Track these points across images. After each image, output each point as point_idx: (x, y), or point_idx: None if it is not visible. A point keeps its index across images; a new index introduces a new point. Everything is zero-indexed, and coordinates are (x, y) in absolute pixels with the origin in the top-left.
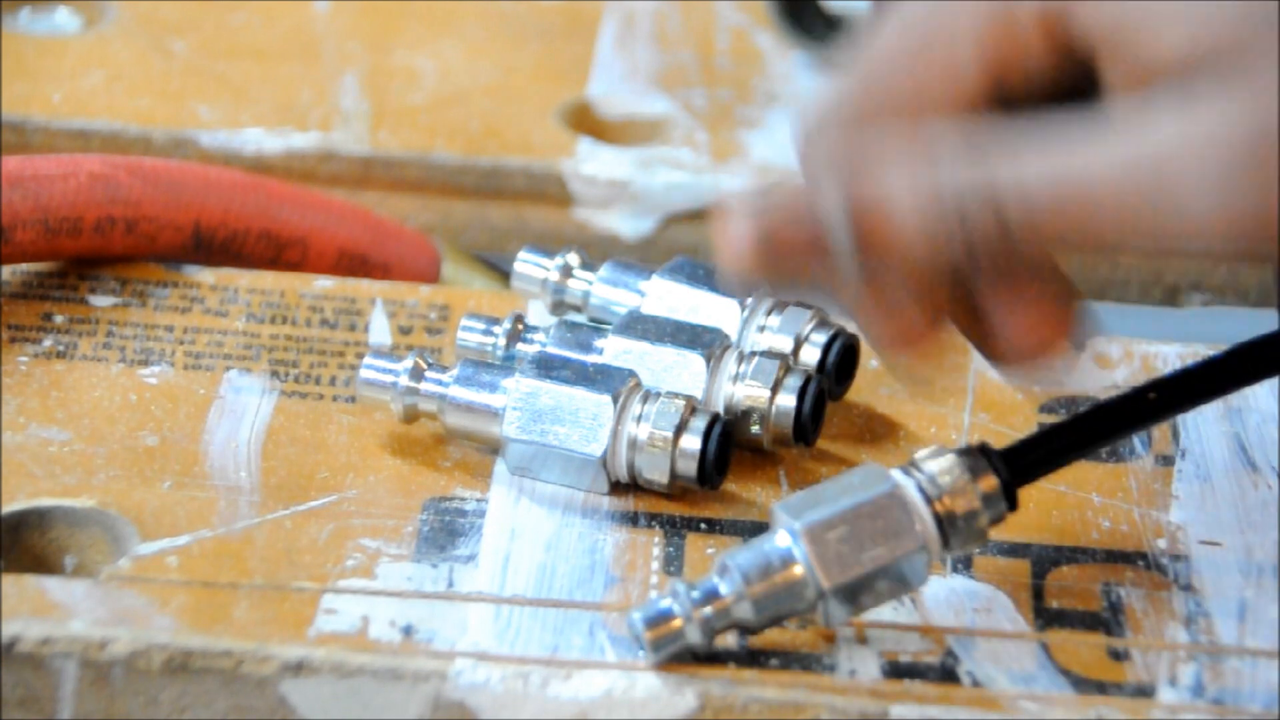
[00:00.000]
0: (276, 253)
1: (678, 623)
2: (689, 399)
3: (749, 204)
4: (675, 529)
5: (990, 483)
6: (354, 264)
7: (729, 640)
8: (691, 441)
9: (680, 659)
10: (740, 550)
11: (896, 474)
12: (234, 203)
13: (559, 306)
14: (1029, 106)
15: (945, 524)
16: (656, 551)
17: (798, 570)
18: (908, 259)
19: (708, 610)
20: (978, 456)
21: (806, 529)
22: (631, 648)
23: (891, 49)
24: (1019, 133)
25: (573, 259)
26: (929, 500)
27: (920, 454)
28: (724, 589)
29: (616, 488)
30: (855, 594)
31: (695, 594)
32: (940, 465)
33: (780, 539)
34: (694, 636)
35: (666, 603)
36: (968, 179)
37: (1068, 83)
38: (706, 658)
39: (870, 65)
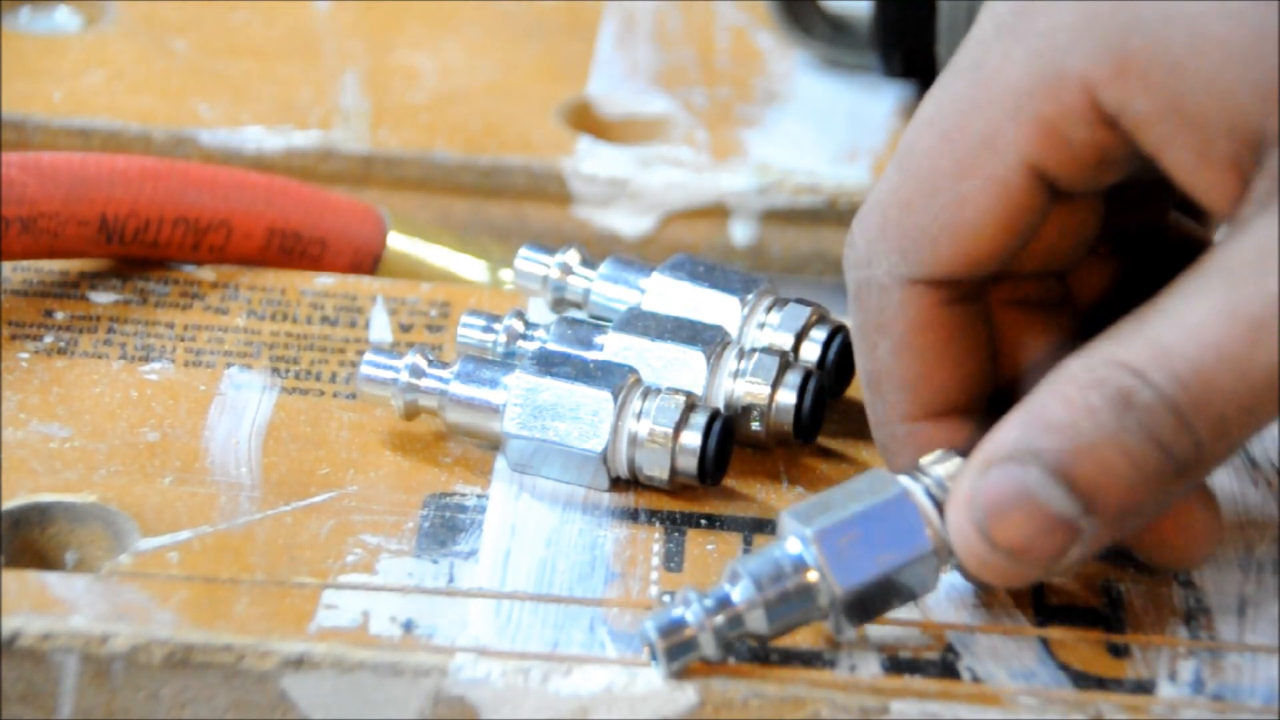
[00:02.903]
0: (197, 239)
1: (690, 631)
2: (689, 395)
3: (964, 506)
4: (675, 525)
5: None
6: (287, 241)
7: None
8: (692, 438)
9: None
10: (751, 558)
11: (904, 479)
12: (143, 191)
13: (559, 303)
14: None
15: None
16: (657, 548)
17: (811, 576)
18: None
19: (720, 619)
20: None
21: (818, 534)
22: (632, 643)
23: (931, 156)
24: (1134, 322)
25: (573, 256)
26: (937, 503)
27: (926, 459)
28: (736, 596)
29: (617, 484)
30: (867, 601)
31: (708, 602)
32: (947, 469)
33: (791, 545)
34: (708, 647)
35: (679, 611)
36: (1145, 405)
37: (1122, 166)
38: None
39: (908, 175)
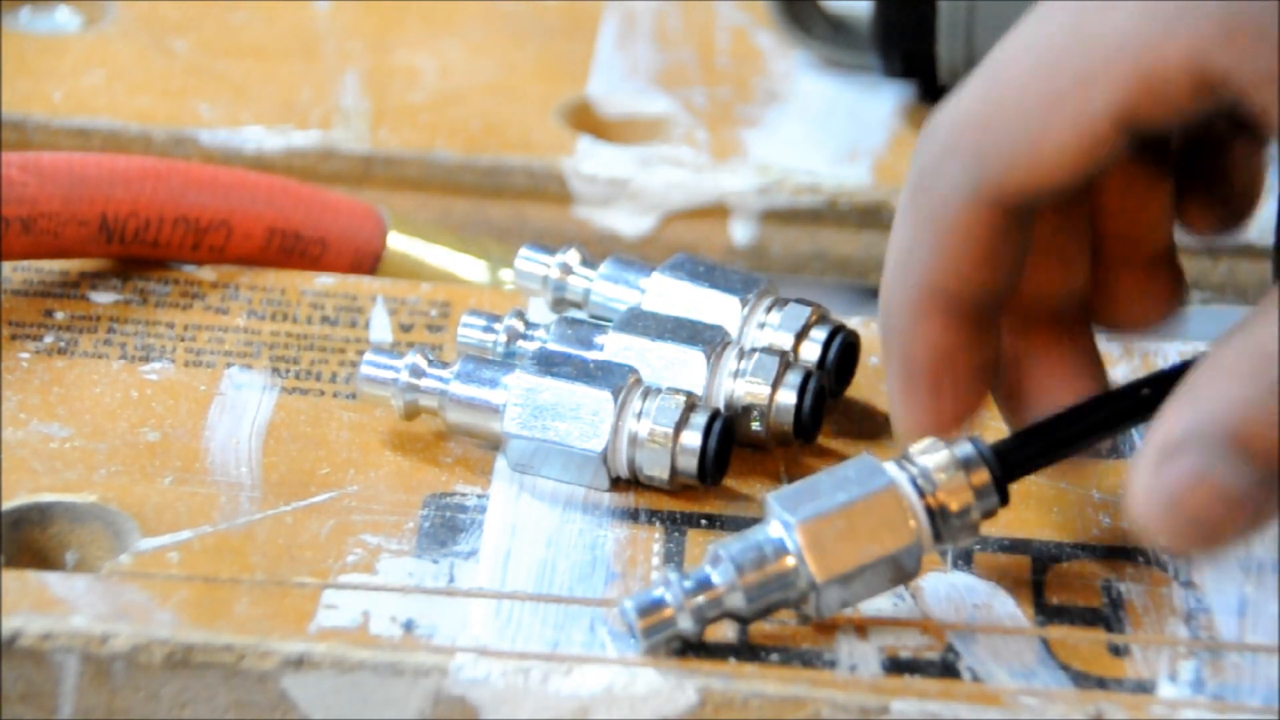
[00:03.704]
0: (197, 239)
1: (669, 611)
2: (689, 395)
3: (1145, 504)
4: (676, 525)
5: (982, 477)
6: (287, 241)
7: (728, 634)
8: (692, 438)
9: (672, 646)
10: (733, 541)
11: (890, 468)
12: (143, 191)
13: (560, 303)
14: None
15: (938, 518)
16: (657, 548)
17: (790, 561)
18: None
19: (700, 600)
20: (970, 451)
21: (802, 524)
22: (633, 643)
23: (1021, 82)
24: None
25: (573, 256)
26: (922, 494)
27: (914, 448)
28: (716, 579)
29: (617, 484)
30: (846, 588)
31: (688, 584)
32: (934, 461)
33: (773, 529)
34: (685, 625)
35: (659, 592)
36: None
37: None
38: (704, 650)
39: (993, 95)
